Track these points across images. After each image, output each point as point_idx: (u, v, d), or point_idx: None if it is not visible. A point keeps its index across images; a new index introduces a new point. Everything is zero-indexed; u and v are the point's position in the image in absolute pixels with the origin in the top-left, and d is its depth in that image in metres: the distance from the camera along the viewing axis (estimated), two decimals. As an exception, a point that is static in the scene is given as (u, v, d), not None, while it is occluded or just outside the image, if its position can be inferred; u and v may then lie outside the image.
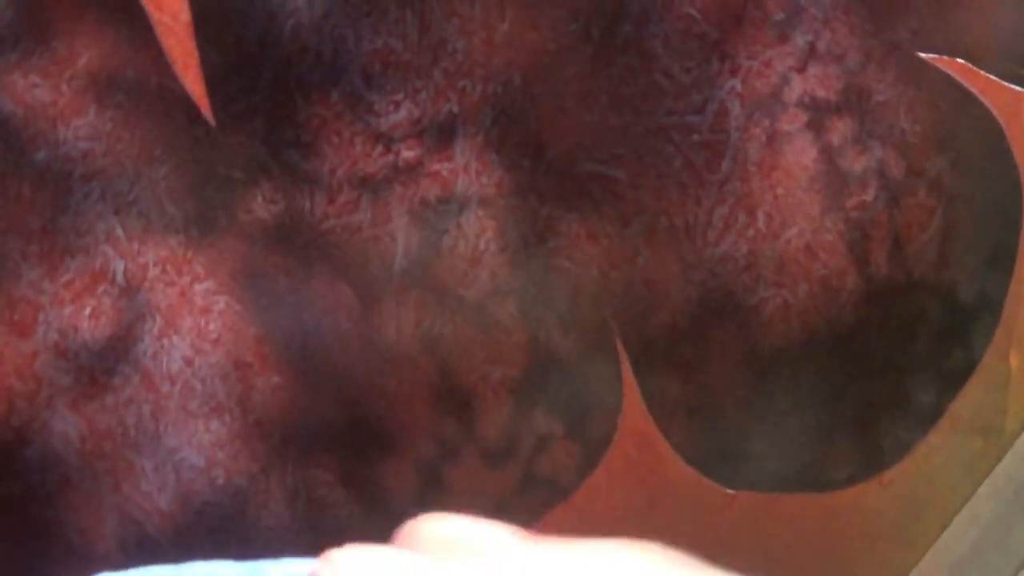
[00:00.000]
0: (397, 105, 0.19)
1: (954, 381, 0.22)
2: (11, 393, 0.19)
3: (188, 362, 0.19)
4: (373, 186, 0.19)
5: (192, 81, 0.18)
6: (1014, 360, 0.23)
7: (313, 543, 0.19)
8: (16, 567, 0.20)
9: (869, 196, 0.21)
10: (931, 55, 0.22)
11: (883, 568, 0.23)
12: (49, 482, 0.19)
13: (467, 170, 0.19)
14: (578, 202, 0.20)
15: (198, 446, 0.19)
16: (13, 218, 0.19)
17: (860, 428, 0.22)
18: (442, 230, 0.19)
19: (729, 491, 0.21)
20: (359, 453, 0.20)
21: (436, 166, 0.19)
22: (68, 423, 0.19)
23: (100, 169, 0.19)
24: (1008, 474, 0.23)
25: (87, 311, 0.19)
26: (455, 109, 0.19)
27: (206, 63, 0.18)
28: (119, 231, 0.18)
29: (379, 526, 0.19)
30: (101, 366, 0.19)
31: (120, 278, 0.19)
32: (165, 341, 0.19)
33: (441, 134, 0.19)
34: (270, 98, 0.18)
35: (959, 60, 0.22)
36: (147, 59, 0.18)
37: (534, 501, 0.21)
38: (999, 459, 0.23)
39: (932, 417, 0.22)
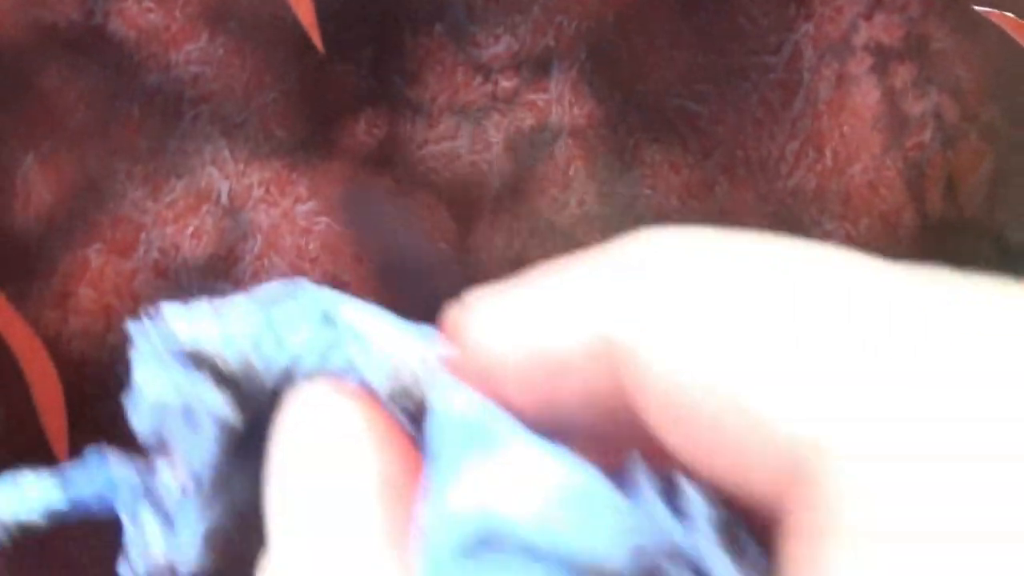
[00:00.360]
0: (497, 38, 0.19)
1: None
2: (109, 311, 0.20)
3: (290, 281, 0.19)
4: (472, 114, 0.19)
5: (303, 11, 0.19)
6: None
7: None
8: None
9: (926, 137, 0.22)
10: (984, 8, 0.22)
11: None
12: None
13: (560, 101, 0.20)
14: (663, 134, 0.20)
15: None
16: (121, 139, 0.19)
17: None
18: (535, 158, 0.20)
19: None
20: None
21: (532, 97, 0.19)
22: None
23: (210, 93, 0.19)
24: None
25: (189, 230, 0.19)
26: (551, 43, 0.19)
27: None
28: (226, 153, 0.19)
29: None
30: (200, 284, 0.19)
31: (224, 198, 0.19)
32: (265, 260, 0.19)
33: (537, 67, 0.19)
34: (378, 29, 0.19)
35: (1009, 15, 0.22)
36: None
37: None
38: None
39: None
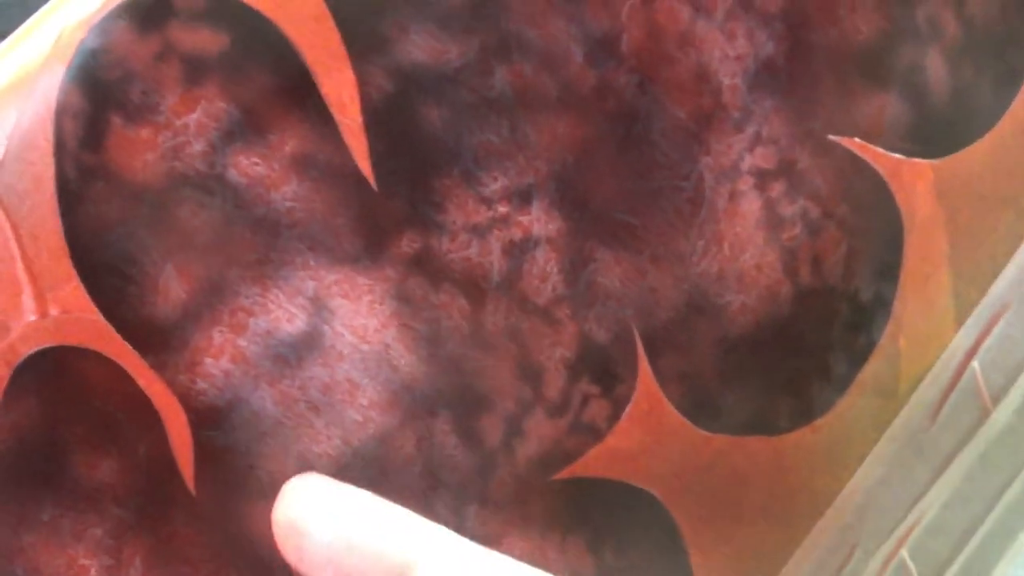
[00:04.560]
0: (495, 178, 0.24)
1: (860, 358, 0.27)
2: (227, 375, 0.23)
3: (354, 348, 0.24)
4: (480, 231, 0.24)
5: (362, 162, 0.23)
6: (902, 342, 0.28)
7: (431, 479, 0.24)
8: (222, 498, 0.24)
9: (796, 231, 0.27)
10: (837, 136, 0.27)
11: (815, 494, 0.28)
12: (251, 437, 0.24)
13: (539, 220, 0.24)
14: (609, 239, 0.25)
15: (357, 407, 0.24)
16: (236, 253, 0.23)
17: (796, 391, 0.27)
18: (523, 259, 0.24)
19: (708, 434, 0.26)
20: (467, 411, 0.24)
21: (520, 218, 0.24)
22: (267, 394, 0.24)
23: (299, 220, 0.23)
24: (904, 424, 0.28)
25: (286, 316, 0.24)
26: (532, 181, 0.24)
27: (372, 150, 0.23)
28: (311, 261, 0.23)
29: (477, 464, 0.24)
30: (293, 354, 0.24)
31: (310, 292, 0.24)
32: (339, 336, 0.24)
33: (523, 197, 0.24)
34: (415, 173, 0.24)
35: (856, 139, 0.27)
36: (332, 147, 0.23)
37: (579, 441, 0.25)
38: (896, 413, 0.28)
39: (846, 383, 0.27)
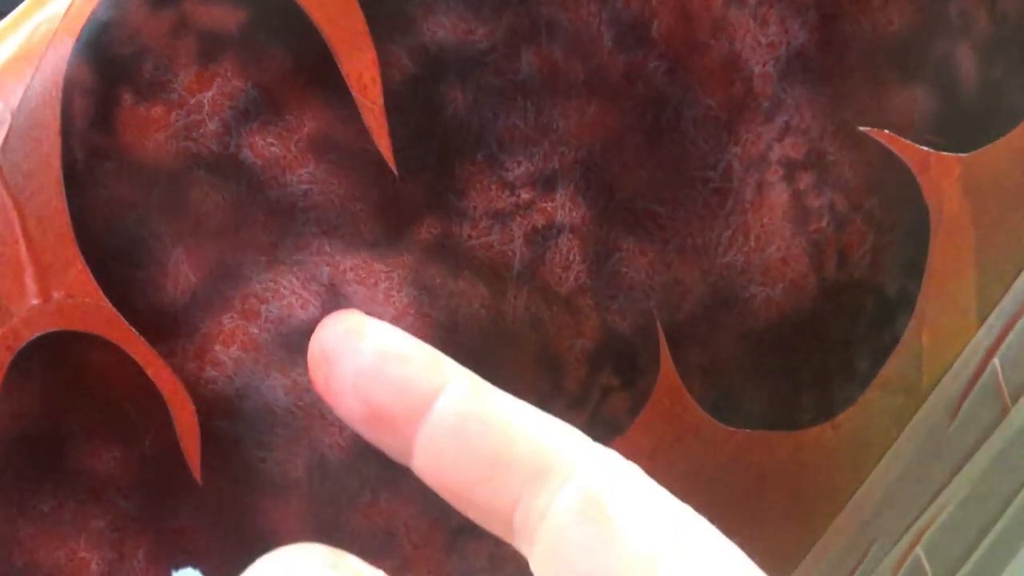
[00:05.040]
0: (519, 164, 0.24)
1: (883, 353, 0.27)
2: (237, 362, 0.23)
3: None
4: (502, 218, 0.24)
5: (383, 145, 0.23)
6: (925, 338, 0.28)
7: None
8: (230, 489, 0.24)
9: (823, 224, 0.27)
10: (867, 128, 0.27)
11: (834, 491, 0.28)
12: (262, 427, 0.24)
13: (563, 208, 0.24)
14: (634, 229, 0.25)
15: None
16: (249, 237, 0.23)
17: (818, 386, 0.27)
18: (545, 247, 0.24)
19: (730, 429, 0.26)
20: None
21: (543, 204, 0.24)
22: (278, 383, 0.24)
23: (315, 204, 0.23)
24: (924, 421, 0.28)
25: (299, 303, 0.24)
26: (556, 167, 0.24)
27: (393, 133, 0.23)
28: (327, 246, 0.23)
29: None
30: (307, 342, 0.23)
31: (325, 279, 0.23)
32: None
33: (547, 183, 0.24)
34: (436, 157, 0.23)
35: (886, 131, 0.27)
36: (352, 129, 0.23)
37: (600, 434, 0.24)
38: (916, 410, 0.28)
39: (868, 379, 0.27)
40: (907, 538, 0.29)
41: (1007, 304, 0.29)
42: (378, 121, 0.24)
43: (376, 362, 0.19)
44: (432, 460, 0.18)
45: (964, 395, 0.29)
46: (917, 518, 0.29)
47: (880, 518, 0.29)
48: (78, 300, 0.23)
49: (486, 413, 0.18)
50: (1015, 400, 0.30)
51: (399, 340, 0.19)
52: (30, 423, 0.23)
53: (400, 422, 0.19)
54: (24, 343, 0.23)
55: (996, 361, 0.29)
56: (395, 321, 0.25)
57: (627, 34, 0.25)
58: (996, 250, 0.29)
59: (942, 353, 0.28)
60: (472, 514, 0.18)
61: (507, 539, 0.18)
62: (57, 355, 0.23)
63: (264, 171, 0.24)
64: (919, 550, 0.29)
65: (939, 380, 0.29)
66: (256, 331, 0.24)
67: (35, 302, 0.23)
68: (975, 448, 0.29)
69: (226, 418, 0.24)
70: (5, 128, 0.23)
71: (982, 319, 0.29)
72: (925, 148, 0.27)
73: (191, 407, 0.24)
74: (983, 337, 0.29)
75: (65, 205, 0.23)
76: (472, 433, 0.18)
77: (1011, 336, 0.29)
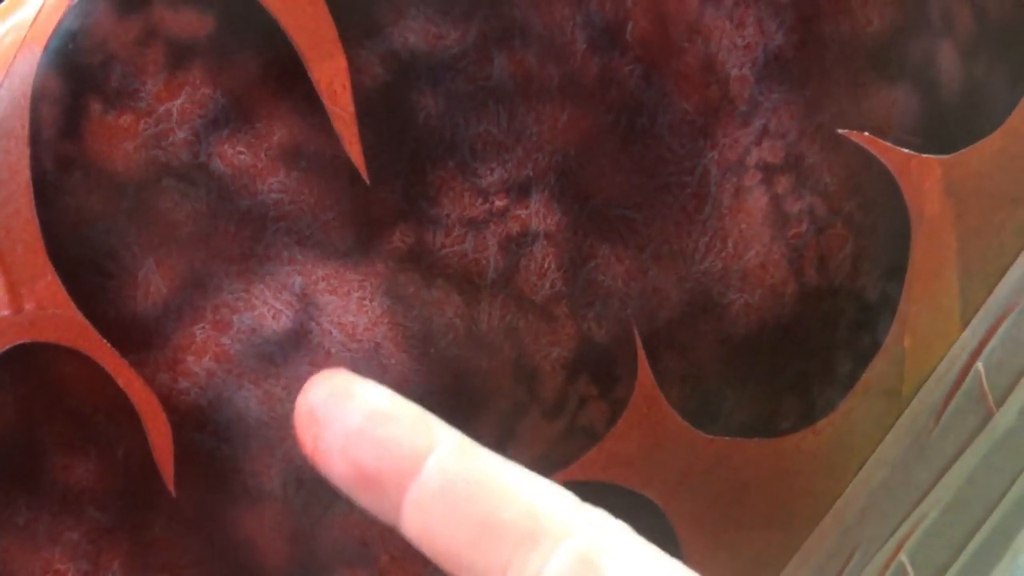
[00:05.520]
0: (492, 170, 0.24)
1: (865, 358, 0.27)
2: (210, 374, 0.23)
3: (344, 346, 0.24)
4: (476, 225, 0.24)
5: (354, 153, 0.23)
6: (907, 342, 0.28)
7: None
8: (204, 500, 0.24)
9: (803, 228, 0.26)
10: (846, 130, 0.27)
11: (816, 497, 0.28)
12: (235, 438, 0.24)
13: (537, 214, 0.24)
14: (610, 235, 0.25)
15: (345, 406, 0.25)
16: (220, 246, 0.23)
17: (799, 392, 0.27)
18: (520, 254, 0.24)
19: (709, 436, 0.26)
20: (458, 411, 0.24)
21: (517, 211, 0.24)
22: (252, 394, 0.23)
23: (286, 213, 0.23)
24: (907, 425, 0.28)
25: (271, 313, 0.24)
26: (531, 173, 0.24)
27: (364, 140, 0.23)
28: (299, 255, 0.23)
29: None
30: (279, 353, 0.23)
31: (297, 289, 0.23)
32: (327, 334, 0.25)
33: (521, 190, 0.24)
34: (409, 164, 0.23)
35: (866, 133, 0.27)
36: (322, 137, 0.23)
37: (576, 444, 0.25)
38: (899, 415, 0.28)
39: (849, 384, 0.27)
40: (890, 544, 0.29)
41: (990, 307, 0.29)
42: (349, 128, 0.24)
43: (363, 424, 0.19)
44: (421, 523, 0.18)
45: (948, 399, 0.29)
46: (900, 523, 0.29)
47: (863, 524, 0.29)
48: (49, 311, 0.23)
49: (475, 474, 0.18)
50: (999, 404, 0.29)
51: (386, 400, 0.19)
52: (2, 435, 0.23)
53: (389, 485, 0.18)
54: (-6, 355, 0.23)
55: (980, 364, 0.29)
56: (368, 331, 0.24)
57: (601, 37, 0.25)
58: (978, 252, 0.29)
59: (925, 357, 0.28)
60: None
61: None
62: (29, 367, 0.23)
63: (234, 180, 0.24)
64: (903, 556, 0.29)
65: (922, 384, 0.29)
66: (228, 342, 0.24)
67: (5, 313, 0.23)
68: (959, 453, 0.29)
69: (199, 429, 0.24)
70: (-28, 138, 0.23)
71: (965, 322, 0.29)
72: (905, 150, 0.27)
73: (164, 418, 0.24)
74: (967, 340, 0.29)
75: (35, 215, 0.23)
76: (461, 496, 0.18)
77: (995, 339, 0.29)
